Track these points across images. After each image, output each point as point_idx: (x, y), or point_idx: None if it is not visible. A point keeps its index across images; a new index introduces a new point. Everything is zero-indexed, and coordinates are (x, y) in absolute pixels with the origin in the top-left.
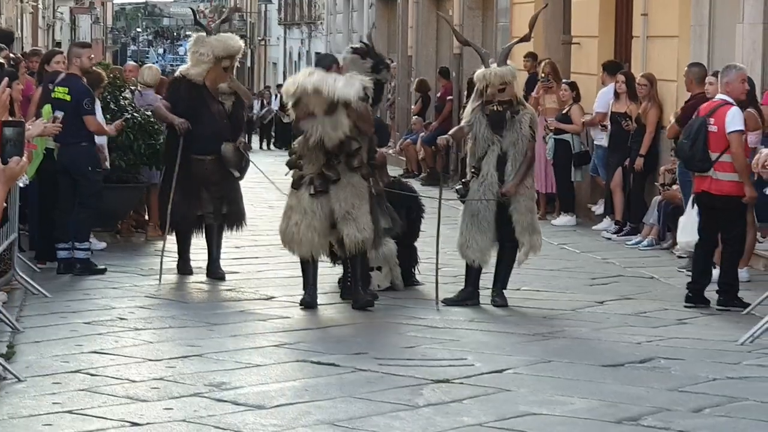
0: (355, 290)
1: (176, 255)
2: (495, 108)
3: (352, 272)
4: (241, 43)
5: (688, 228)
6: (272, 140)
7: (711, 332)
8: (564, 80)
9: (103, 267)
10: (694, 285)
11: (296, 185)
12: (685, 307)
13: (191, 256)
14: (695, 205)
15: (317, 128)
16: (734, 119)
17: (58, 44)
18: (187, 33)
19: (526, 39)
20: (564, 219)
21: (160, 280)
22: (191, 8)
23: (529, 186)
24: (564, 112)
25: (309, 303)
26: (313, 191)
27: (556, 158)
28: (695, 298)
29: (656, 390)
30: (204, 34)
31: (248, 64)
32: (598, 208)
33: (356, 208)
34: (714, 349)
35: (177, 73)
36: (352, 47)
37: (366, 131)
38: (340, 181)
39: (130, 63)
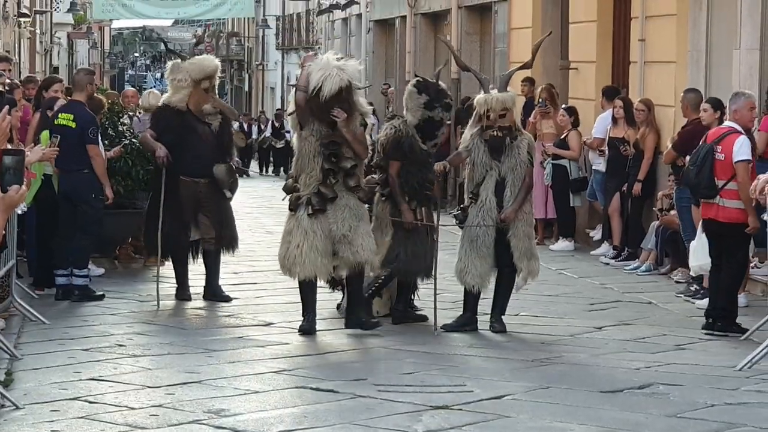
0: (350, 311)
1: (173, 281)
2: (495, 134)
3: (348, 294)
4: (217, 62)
5: (699, 252)
6: (269, 166)
7: (709, 358)
8: (563, 105)
9: (101, 293)
10: (713, 311)
11: (293, 207)
12: (705, 334)
13: (190, 282)
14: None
15: (321, 69)
16: (742, 148)
17: (56, 69)
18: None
19: (527, 66)
20: (562, 244)
21: (158, 307)
22: (162, 39)
23: (527, 212)
24: (562, 137)
25: (308, 329)
26: (311, 211)
27: (554, 183)
28: (714, 324)
29: (655, 416)
30: (178, 60)
31: (245, 88)
32: (596, 234)
33: (353, 230)
34: (712, 374)
35: (160, 103)
36: (416, 80)
37: (360, 154)
38: (337, 203)
39: (129, 89)
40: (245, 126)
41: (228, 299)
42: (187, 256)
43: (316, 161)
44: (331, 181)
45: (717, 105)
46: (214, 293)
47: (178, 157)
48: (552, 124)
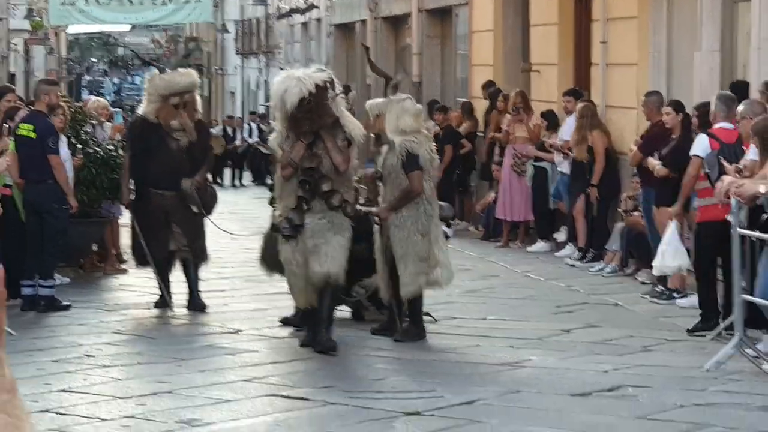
0: (319, 331)
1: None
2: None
3: (320, 312)
4: (190, 79)
5: (668, 254)
6: (239, 175)
7: (676, 359)
8: (543, 111)
9: (67, 303)
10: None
11: (275, 229)
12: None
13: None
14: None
15: (282, 83)
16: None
17: (12, 76)
18: (146, 61)
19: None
20: (540, 245)
21: (172, 310)
22: (133, 50)
23: (406, 217)
24: (545, 140)
25: (307, 343)
26: (283, 235)
27: (534, 185)
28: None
29: (624, 418)
30: (156, 72)
31: (206, 93)
32: (561, 235)
33: (326, 241)
34: (680, 375)
35: (137, 113)
36: None
37: (338, 165)
38: (316, 219)
39: (102, 100)
40: (229, 130)
41: (202, 309)
42: (165, 265)
43: (291, 185)
44: (303, 207)
45: (679, 107)
46: (192, 304)
47: (147, 168)
48: (525, 128)
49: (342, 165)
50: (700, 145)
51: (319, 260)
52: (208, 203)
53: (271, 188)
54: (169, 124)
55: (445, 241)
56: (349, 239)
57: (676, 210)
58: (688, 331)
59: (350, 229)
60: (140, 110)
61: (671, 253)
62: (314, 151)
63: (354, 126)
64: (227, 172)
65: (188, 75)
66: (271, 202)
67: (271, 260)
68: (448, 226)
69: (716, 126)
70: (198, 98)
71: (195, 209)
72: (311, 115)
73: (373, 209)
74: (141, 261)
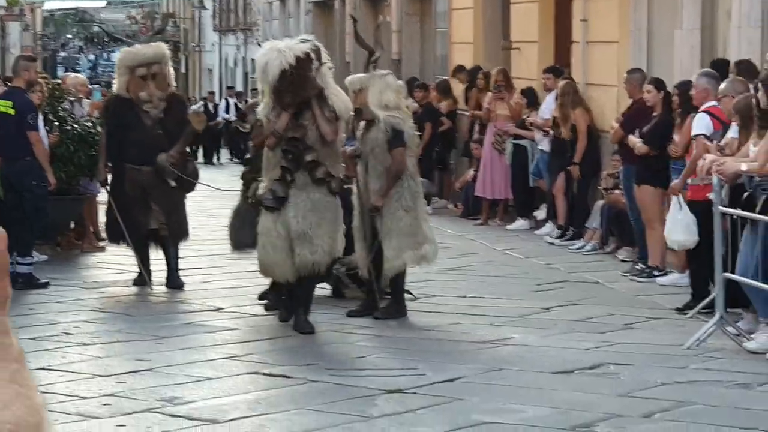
0: (297, 314)
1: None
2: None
3: (297, 293)
4: (157, 50)
5: (685, 227)
6: (216, 152)
7: (657, 337)
8: (523, 88)
9: (45, 281)
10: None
11: (258, 201)
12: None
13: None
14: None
15: (264, 55)
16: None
17: None
18: (115, 37)
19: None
20: (519, 223)
21: (151, 288)
22: (101, 27)
23: (391, 193)
24: (525, 118)
25: (284, 320)
26: (265, 206)
27: (514, 163)
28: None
29: (606, 396)
30: (126, 47)
31: (182, 70)
32: (541, 213)
33: (313, 228)
34: (661, 353)
35: (112, 91)
36: None
37: (326, 134)
38: (299, 196)
39: (80, 77)
40: (210, 107)
41: (180, 287)
42: (143, 243)
43: (276, 156)
44: (288, 178)
45: (660, 85)
46: (170, 281)
47: (122, 145)
48: (506, 106)
49: (330, 135)
50: (703, 125)
51: (310, 248)
52: (190, 176)
53: (245, 163)
54: (138, 96)
55: (429, 217)
56: (334, 222)
57: (679, 186)
58: (678, 309)
59: (337, 209)
60: (114, 86)
61: (693, 226)
62: (300, 122)
63: (339, 99)
64: (202, 149)
65: (155, 47)
66: (243, 176)
67: (239, 236)
68: (428, 203)
69: (708, 104)
70: (171, 71)
71: (173, 183)
72: (293, 87)
73: (353, 188)
74: (114, 238)
